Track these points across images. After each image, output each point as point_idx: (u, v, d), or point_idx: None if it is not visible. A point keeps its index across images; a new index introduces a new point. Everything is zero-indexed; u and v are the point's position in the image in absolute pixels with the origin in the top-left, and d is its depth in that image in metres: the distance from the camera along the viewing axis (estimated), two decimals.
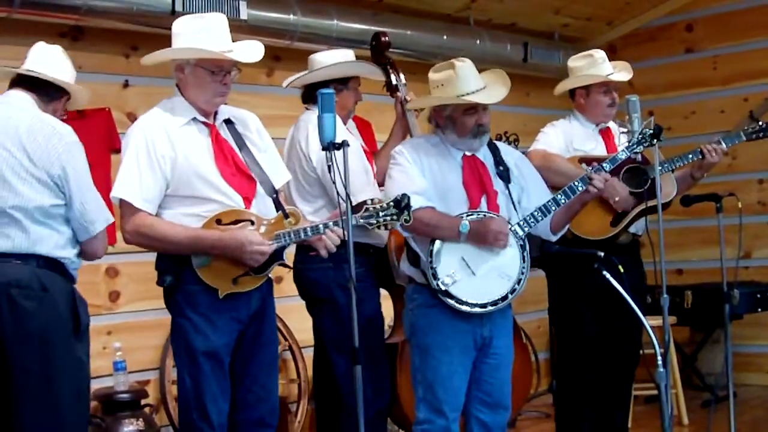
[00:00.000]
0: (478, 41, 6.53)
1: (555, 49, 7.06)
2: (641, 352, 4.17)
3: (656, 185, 4.08)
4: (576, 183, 3.82)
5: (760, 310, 6.44)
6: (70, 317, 3.23)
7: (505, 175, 3.83)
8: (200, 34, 3.41)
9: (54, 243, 3.23)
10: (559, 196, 3.80)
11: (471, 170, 3.76)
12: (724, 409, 4.79)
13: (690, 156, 4.51)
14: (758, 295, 6.41)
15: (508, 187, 3.82)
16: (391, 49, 4.63)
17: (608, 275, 3.59)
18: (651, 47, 7.45)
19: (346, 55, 4.28)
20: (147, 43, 4.71)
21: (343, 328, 3.39)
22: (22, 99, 3.39)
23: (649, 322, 3.50)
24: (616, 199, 4.37)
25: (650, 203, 4.23)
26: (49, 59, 3.49)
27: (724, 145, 4.51)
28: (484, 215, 3.66)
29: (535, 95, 7.19)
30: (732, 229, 4.68)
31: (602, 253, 3.70)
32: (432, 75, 3.78)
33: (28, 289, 3.13)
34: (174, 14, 4.74)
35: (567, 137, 4.53)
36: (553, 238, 3.93)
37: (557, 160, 4.39)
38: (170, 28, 3.51)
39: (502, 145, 3.97)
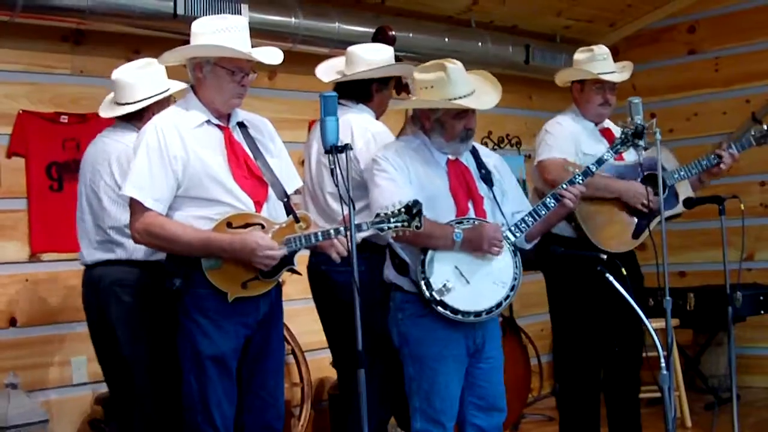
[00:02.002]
0: (480, 43, 6.53)
1: (557, 51, 7.03)
2: (644, 354, 4.16)
3: (659, 188, 4.08)
4: (549, 200, 3.73)
5: (763, 312, 6.43)
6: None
7: (488, 179, 3.75)
8: (221, 34, 3.38)
9: (149, 250, 3.77)
10: (539, 206, 3.72)
11: (457, 176, 3.66)
12: (727, 411, 4.78)
13: (704, 162, 4.53)
14: (761, 297, 6.40)
15: (492, 191, 3.73)
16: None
17: (611, 278, 3.59)
18: (653, 49, 7.44)
19: (388, 52, 4.16)
20: (149, 47, 4.71)
21: (369, 331, 3.30)
22: (119, 130, 4.00)
23: (652, 325, 3.49)
24: (644, 201, 4.35)
25: (666, 213, 4.22)
26: (121, 88, 3.97)
27: (735, 151, 4.53)
28: (474, 221, 3.59)
29: (537, 97, 7.19)
30: (735, 231, 4.66)
31: (605, 256, 3.70)
32: (420, 75, 3.63)
33: (129, 288, 3.89)
34: (176, 17, 4.74)
35: (575, 138, 4.42)
36: (527, 247, 3.85)
37: None
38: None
39: (481, 148, 3.88)
